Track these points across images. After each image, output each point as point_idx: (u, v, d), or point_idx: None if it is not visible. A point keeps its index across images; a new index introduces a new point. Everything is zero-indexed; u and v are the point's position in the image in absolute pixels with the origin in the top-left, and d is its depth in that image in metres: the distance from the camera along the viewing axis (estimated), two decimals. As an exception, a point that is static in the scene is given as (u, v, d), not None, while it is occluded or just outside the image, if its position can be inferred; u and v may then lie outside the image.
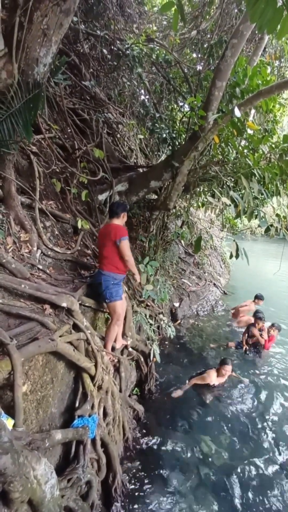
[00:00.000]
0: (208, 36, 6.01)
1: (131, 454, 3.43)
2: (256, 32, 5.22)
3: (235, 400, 4.54)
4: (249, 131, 4.69)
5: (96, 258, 3.94)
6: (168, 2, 2.75)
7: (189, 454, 3.55)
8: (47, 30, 2.49)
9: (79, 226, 3.75)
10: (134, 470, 3.26)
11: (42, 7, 2.40)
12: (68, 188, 4.07)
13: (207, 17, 6.12)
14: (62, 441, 2.37)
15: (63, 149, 4.51)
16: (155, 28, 6.73)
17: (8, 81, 2.51)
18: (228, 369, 4.58)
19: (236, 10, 5.94)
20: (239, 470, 3.40)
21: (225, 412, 4.27)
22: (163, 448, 3.59)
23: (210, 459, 3.51)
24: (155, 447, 3.59)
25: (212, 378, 4.55)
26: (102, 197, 4.88)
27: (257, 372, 5.34)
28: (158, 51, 5.53)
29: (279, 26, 1.88)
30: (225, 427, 4.01)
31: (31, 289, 2.53)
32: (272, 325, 5.97)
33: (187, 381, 4.69)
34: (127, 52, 5.06)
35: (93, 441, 2.76)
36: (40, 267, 3.00)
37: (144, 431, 3.79)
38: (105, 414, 3.05)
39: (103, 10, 5.59)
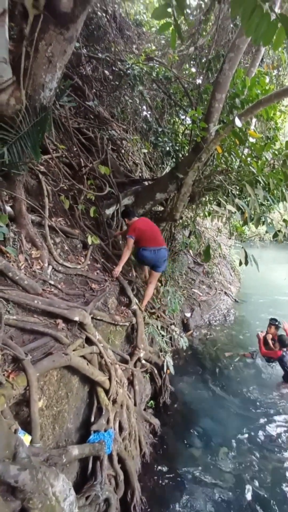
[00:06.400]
0: (206, 51, 6.19)
1: (148, 470, 3.36)
2: (252, 44, 5.35)
3: (258, 411, 4.43)
4: (251, 140, 4.75)
5: (107, 272, 4.02)
6: (166, 23, 2.87)
7: (208, 470, 3.45)
8: (52, 58, 2.62)
9: (90, 242, 3.83)
10: (153, 487, 3.19)
11: (47, 37, 2.54)
12: (76, 205, 4.17)
13: (204, 33, 6.33)
14: (79, 457, 2.35)
15: (70, 167, 4.65)
16: (154, 47, 6.97)
17: (17, 107, 2.64)
18: None
19: (231, 25, 6.13)
20: (260, 487, 3.28)
21: (245, 425, 4.16)
22: (181, 463, 3.51)
23: (230, 476, 3.39)
24: (173, 462, 3.51)
25: None
26: (109, 211, 4.98)
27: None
28: (158, 69, 5.72)
29: (274, 38, 1.96)
30: (245, 440, 3.89)
31: (44, 305, 2.58)
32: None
33: None
34: (128, 71, 5.25)
35: (110, 456, 2.73)
36: (52, 282, 3.05)
37: (161, 445, 3.72)
38: (120, 429, 3.02)
39: (103, 34, 5.84)
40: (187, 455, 3.61)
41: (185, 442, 3.82)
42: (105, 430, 2.71)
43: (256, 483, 3.31)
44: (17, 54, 2.59)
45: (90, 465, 2.54)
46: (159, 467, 3.42)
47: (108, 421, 2.79)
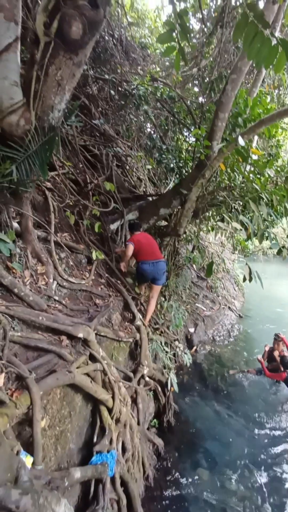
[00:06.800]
0: (208, 72, 6.39)
1: (152, 493, 3.24)
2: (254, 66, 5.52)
3: (263, 431, 4.30)
4: (254, 157, 4.83)
5: (111, 287, 4.02)
6: (170, 47, 2.98)
7: (214, 493, 3.33)
8: (61, 81, 2.72)
9: (94, 257, 3.86)
10: (156, 512, 3.08)
11: (57, 62, 2.65)
12: (81, 220, 4.23)
13: (207, 55, 6.56)
14: (81, 480, 2.29)
15: (76, 183, 4.74)
16: (158, 68, 7.22)
17: (26, 127, 2.73)
18: None
19: (233, 48, 6.35)
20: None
21: (251, 446, 4.03)
22: (186, 487, 3.39)
23: (236, 500, 3.26)
24: (178, 485, 3.39)
25: None
26: (113, 226, 5.02)
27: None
28: (162, 89, 5.90)
29: (275, 61, 2.03)
30: (251, 462, 3.76)
31: (49, 321, 2.58)
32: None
33: None
34: (133, 92, 5.42)
35: (113, 479, 2.65)
36: (56, 298, 3.06)
37: (165, 467, 3.60)
38: (123, 450, 2.94)
39: (110, 56, 6.08)
40: (191, 478, 3.49)
41: (190, 463, 3.70)
42: (108, 451, 2.64)
43: (264, 508, 3.18)
44: (28, 77, 2.70)
45: (92, 488, 2.47)
46: (163, 491, 3.30)
47: (111, 442, 2.72)
